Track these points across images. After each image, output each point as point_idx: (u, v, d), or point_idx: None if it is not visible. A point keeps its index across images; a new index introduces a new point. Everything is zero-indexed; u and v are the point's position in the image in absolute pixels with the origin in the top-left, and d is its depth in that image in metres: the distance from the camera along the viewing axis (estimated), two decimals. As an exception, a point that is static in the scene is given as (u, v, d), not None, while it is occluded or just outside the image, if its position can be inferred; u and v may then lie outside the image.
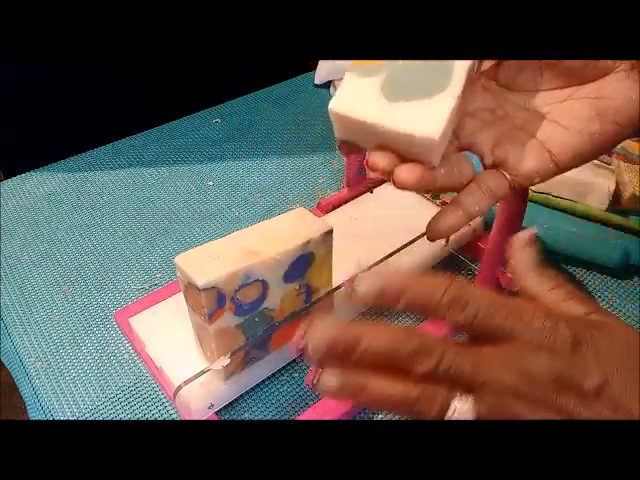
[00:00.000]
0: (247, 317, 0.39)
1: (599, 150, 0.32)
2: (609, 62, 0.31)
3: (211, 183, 0.69)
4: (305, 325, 0.25)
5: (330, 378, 0.25)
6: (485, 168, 0.34)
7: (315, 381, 0.26)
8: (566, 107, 0.33)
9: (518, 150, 0.33)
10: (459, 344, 0.25)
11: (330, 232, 0.41)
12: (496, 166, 0.33)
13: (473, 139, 0.34)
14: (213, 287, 0.36)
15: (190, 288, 0.37)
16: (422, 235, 0.48)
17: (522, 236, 0.29)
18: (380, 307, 0.26)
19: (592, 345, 0.24)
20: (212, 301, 0.36)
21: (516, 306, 0.25)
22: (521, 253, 0.28)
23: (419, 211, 0.55)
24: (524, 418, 0.24)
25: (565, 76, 0.33)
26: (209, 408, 0.41)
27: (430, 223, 0.32)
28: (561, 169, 0.33)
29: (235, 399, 0.44)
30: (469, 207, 0.32)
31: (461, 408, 0.24)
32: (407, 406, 0.25)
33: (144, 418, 0.44)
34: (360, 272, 0.26)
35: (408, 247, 0.48)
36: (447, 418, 0.25)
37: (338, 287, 0.45)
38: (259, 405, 0.44)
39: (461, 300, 0.25)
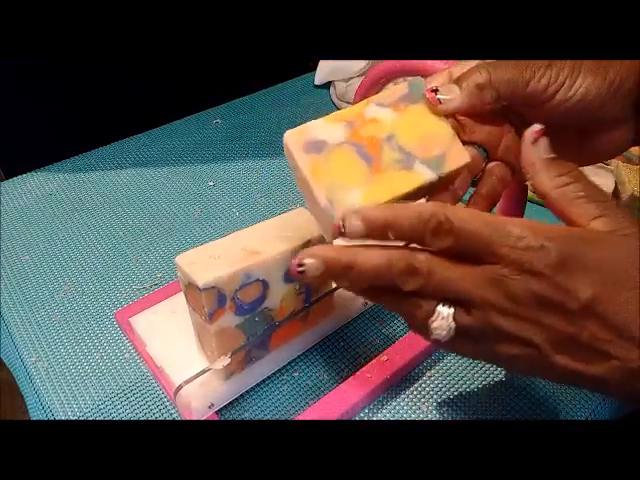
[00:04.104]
0: (247, 317, 0.39)
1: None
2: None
3: (212, 183, 0.69)
4: (301, 253, 0.27)
5: (313, 261, 0.27)
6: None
7: (299, 266, 0.27)
8: None
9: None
10: (447, 261, 0.26)
11: (330, 232, 0.41)
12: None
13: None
14: (213, 287, 0.36)
15: (190, 288, 0.37)
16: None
17: (531, 131, 0.29)
18: (375, 239, 0.28)
19: (580, 262, 0.24)
20: (212, 301, 0.36)
21: (502, 227, 0.25)
22: (530, 148, 0.28)
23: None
24: (510, 333, 0.25)
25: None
26: (209, 408, 0.41)
27: None
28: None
29: (235, 399, 0.44)
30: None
31: (444, 312, 0.26)
32: (396, 302, 0.27)
33: (145, 418, 0.44)
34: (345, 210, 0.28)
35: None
36: (431, 323, 0.26)
37: (338, 287, 0.45)
38: (259, 405, 0.45)
39: (445, 226, 0.25)
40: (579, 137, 0.34)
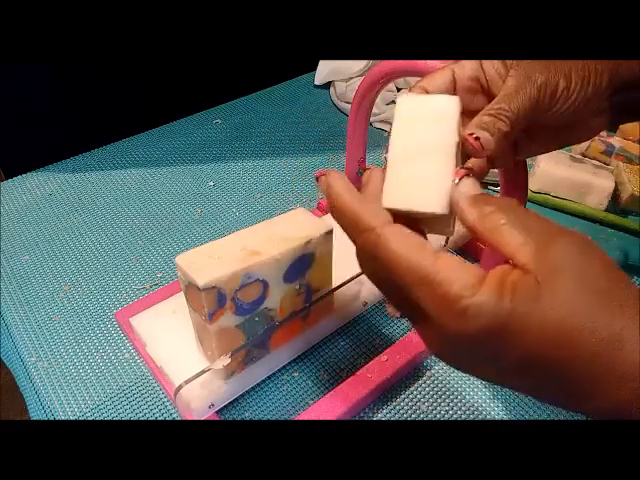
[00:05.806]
0: (247, 317, 0.39)
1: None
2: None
3: (212, 183, 0.69)
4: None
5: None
6: None
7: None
8: None
9: None
10: None
11: (330, 232, 0.41)
12: None
13: None
14: (214, 287, 0.36)
15: (191, 288, 0.37)
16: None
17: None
18: None
19: None
20: (213, 301, 0.36)
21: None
22: (458, 189, 0.28)
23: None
24: None
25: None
26: (209, 408, 0.41)
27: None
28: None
29: (235, 399, 0.44)
30: None
31: None
32: None
33: (145, 418, 0.44)
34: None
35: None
36: None
37: (338, 287, 0.45)
38: (259, 405, 0.45)
39: None
40: (559, 127, 0.35)
